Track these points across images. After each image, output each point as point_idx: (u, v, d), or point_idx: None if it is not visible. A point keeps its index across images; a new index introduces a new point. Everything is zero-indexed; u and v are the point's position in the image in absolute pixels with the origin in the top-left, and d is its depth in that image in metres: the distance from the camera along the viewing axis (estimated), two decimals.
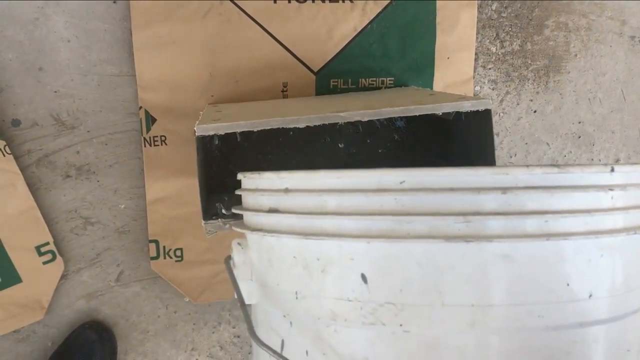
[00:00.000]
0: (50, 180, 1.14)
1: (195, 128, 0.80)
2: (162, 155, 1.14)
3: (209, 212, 0.83)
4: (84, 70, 1.11)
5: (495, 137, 1.27)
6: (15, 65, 1.09)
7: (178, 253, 1.18)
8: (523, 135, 1.28)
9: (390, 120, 1.08)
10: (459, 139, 1.03)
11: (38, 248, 1.13)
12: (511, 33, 1.24)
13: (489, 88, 1.24)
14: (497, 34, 1.24)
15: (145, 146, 1.13)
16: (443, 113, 0.78)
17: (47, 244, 1.14)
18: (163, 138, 1.14)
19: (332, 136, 1.07)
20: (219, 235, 1.18)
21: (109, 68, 1.12)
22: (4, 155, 1.09)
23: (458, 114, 0.81)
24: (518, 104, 1.27)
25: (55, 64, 1.10)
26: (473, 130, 0.94)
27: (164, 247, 1.17)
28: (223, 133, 0.78)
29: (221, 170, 1.03)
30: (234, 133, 0.89)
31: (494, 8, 1.22)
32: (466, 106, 0.79)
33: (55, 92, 1.11)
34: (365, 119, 0.77)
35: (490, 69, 1.24)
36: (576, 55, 1.27)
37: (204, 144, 0.94)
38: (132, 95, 1.13)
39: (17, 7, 1.07)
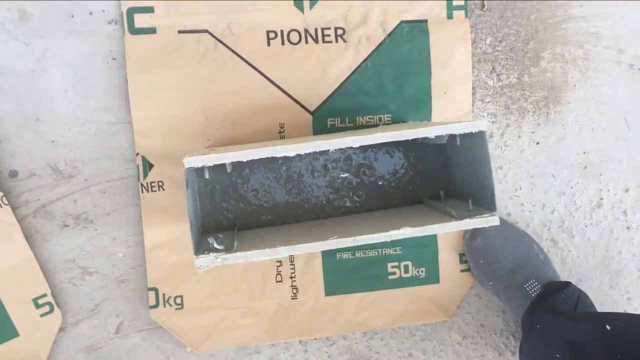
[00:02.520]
0: (47, 231, 1.13)
1: (183, 160, 0.79)
2: (159, 201, 1.13)
3: (201, 248, 0.81)
4: (81, 119, 1.12)
5: (499, 170, 1.25)
6: (12, 117, 1.10)
7: (178, 300, 1.15)
8: (527, 168, 1.26)
9: (388, 152, 1.06)
10: (457, 165, 1.01)
11: (35, 300, 1.11)
12: (507, 66, 1.24)
13: (489, 121, 1.23)
14: (493, 68, 1.23)
15: (142, 192, 1.13)
16: (436, 137, 0.77)
17: (45, 295, 1.12)
18: (160, 183, 1.13)
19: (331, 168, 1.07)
20: (220, 280, 1.15)
21: (105, 116, 1.12)
22: (1, 207, 1.08)
23: (453, 139, 0.79)
24: (520, 137, 1.25)
25: (53, 114, 1.11)
26: (469, 154, 0.92)
27: (164, 294, 1.15)
28: (212, 164, 0.77)
29: (215, 208, 1.02)
30: (227, 172, 0.89)
31: (488, 42, 1.23)
32: (459, 128, 0.77)
33: (53, 142, 1.12)
34: (357, 145, 0.75)
35: (488, 102, 1.23)
36: (575, 85, 1.26)
37: (194, 177, 0.92)
38: (129, 142, 1.13)
39: (15, 59, 1.09)
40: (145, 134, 1.12)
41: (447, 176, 1.03)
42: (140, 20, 1.11)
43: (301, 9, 1.15)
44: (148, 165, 1.12)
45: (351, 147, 1.04)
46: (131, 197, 1.14)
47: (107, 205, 1.14)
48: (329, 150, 1.00)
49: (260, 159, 1.00)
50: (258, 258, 0.78)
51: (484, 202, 0.84)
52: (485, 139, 0.81)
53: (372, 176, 1.04)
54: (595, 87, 1.27)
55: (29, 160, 1.11)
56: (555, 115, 1.26)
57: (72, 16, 1.10)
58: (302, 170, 1.04)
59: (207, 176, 0.90)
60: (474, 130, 0.77)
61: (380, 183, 1.04)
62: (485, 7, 1.22)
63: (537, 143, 1.26)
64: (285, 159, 1.03)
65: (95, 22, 1.11)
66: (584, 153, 1.28)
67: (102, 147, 1.13)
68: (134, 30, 1.11)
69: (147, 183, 1.13)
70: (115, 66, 1.12)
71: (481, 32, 1.22)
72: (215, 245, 0.81)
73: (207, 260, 0.79)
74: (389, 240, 0.78)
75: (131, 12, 1.11)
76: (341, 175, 1.01)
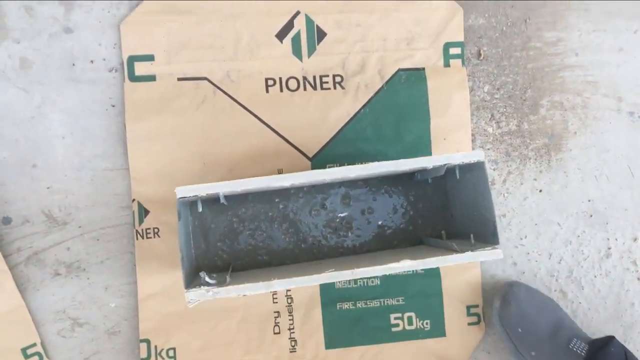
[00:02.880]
0: (39, 279, 1.09)
1: (175, 190, 0.77)
2: (154, 248, 1.10)
3: (192, 283, 0.78)
4: (78, 166, 1.11)
5: (502, 218, 1.22)
6: (9, 163, 1.09)
7: (171, 353, 1.10)
8: (532, 216, 1.23)
9: (387, 191, 1.04)
10: (457, 202, 0.98)
11: (24, 350, 1.06)
12: (506, 114, 1.24)
13: (490, 168, 1.22)
14: (492, 115, 1.23)
15: (137, 239, 1.10)
16: (434, 170, 0.75)
17: (34, 345, 1.07)
18: (156, 230, 1.10)
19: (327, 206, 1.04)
20: (215, 331, 1.11)
21: (102, 163, 1.12)
22: None
23: (452, 173, 0.78)
24: (522, 184, 1.23)
25: (50, 160, 1.10)
26: (469, 188, 0.90)
27: (156, 346, 1.10)
28: (205, 194, 0.75)
29: (209, 247, 0.99)
30: (223, 208, 0.87)
31: (486, 90, 1.23)
32: (457, 158, 0.76)
33: (48, 188, 1.10)
34: (353, 174, 0.74)
35: (489, 149, 1.22)
36: (576, 133, 1.25)
37: (187, 210, 0.90)
38: (125, 189, 1.12)
39: (14, 106, 1.10)
40: (142, 180, 1.11)
41: (448, 215, 1.00)
42: (141, 68, 1.13)
43: (299, 57, 1.16)
44: (144, 212, 1.10)
45: (349, 186, 1.02)
46: (125, 245, 1.11)
47: (101, 253, 1.11)
48: (328, 190, 0.98)
49: (257, 196, 0.98)
50: (251, 292, 0.75)
51: (487, 236, 0.82)
52: (484, 169, 0.79)
53: (372, 216, 1.02)
54: (596, 134, 1.26)
55: (23, 207, 1.09)
56: (557, 163, 1.25)
57: (73, 64, 1.12)
58: (299, 209, 1.01)
59: (200, 209, 0.88)
60: (473, 160, 0.76)
61: (379, 222, 1.02)
62: (482, 56, 1.24)
63: (540, 190, 1.24)
64: (283, 196, 1.01)
65: (96, 70, 1.12)
66: (589, 201, 1.25)
67: (97, 193, 1.11)
68: (134, 78, 1.12)
69: (142, 229, 1.10)
70: (114, 113, 1.12)
71: (479, 80, 1.23)
72: (207, 279, 0.78)
73: (197, 294, 0.75)
74: (388, 273, 0.75)
75: (132, 60, 1.12)
76: (339, 215, 0.99)
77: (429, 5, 1.20)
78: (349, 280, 1.11)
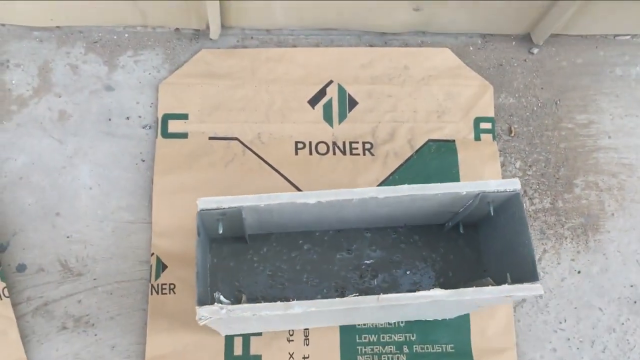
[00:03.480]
0: (44, 332, 1.03)
1: (197, 201, 0.74)
2: (168, 305, 1.05)
3: (205, 301, 0.72)
4: (101, 217, 1.10)
5: (539, 299, 1.14)
6: (33, 210, 1.08)
7: None
8: (570, 299, 1.15)
9: (416, 242, 0.98)
10: (492, 251, 0.92)
11: None
12: (539, 191, 1.20)
13: None
14: (525, 192, 1.20)
15: (152, 294, 1.05)
16: (464, 207, 0.71)
17: None
18: (172, 286, 1.05)
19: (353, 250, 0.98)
20: None
21: (125, 215, 1.10)
22: (1, 299, 1.01)
23: (486, 221, 0.73)
24: (559, 264, 1.17)
25: (73, 209, 1.09)
26: (504, 230, 0.84)
27: None
28: (227, 207, 0.72)
29: (226, 286, 0.93)
30: (245, 245, 0.82)
31: (517, 166, 1.21)
32: (491, 185, 0.72)
33: (68, 237, 1.08)
34: (382, 196, 0.70)
35: None
36: (613, 214, 1.20)
37: (207, 226, 0.85)
38: (145, 243, 1.09)
39: (47, 155, 1.11)
40: (163, 234, 1.08)
41: (480, 269, 0.93)
42: (174, 126, 1.15)
43: (330, 123, 1.18)
44: (162, 267, 1.06)
45: (377, 233, 0.96)
46: (139, 301, 1.06)
47: (113, 308, 1.05)
48: (354, 235, 0.94)
49: (280, 237, 0.94)
50: (268, 312, 0.68)
51: (525, 275, 0.75)
52: (520, 200, 0.75)
53: (399, 265, 0.95)
54: (634, 217, 1.21)
55: (40, 255, 1.06)
56: (596, 244, 1.18)
57: (109, 119, 1.15)
58: (323, 252, 0.95)
59: (220, 231, 0.83)
60: (509, 188, 0.72)
61: (407, 272, 0.95)
62: (513, 133, 1.23)
63: (579, 272, 1.17)
64: (307, 239, 0.95)
65: (131, 126, 1.15)
66: (632, 286, 1.17)
67: (117, 246, 1.08)
68: (167, 135, 1.14)
69: (158, 284, 1.05)
70: (144, 167, 1.13)
71: (510, 156, 1.21)
72: (222, 298, 0.73)
73: (210, 311, 0.69)
74: (416, 302, 0.68)
75: (166, 118, 1.15)
76: (365, 262, 0.93)
77: (460, 81, 1.22)
78: None
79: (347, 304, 0.69)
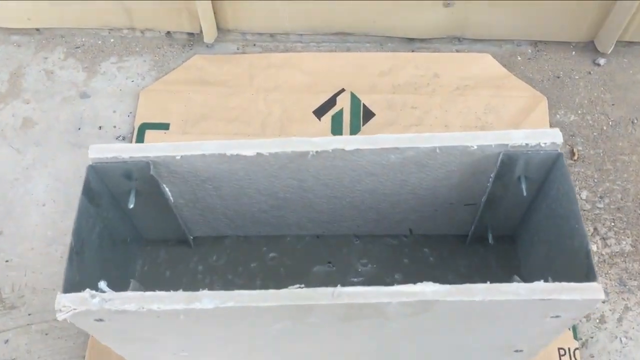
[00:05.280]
0: None
1: (89, 149, 0.53)
2: (113, 354, 0.80)
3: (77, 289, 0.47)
4: (50, 239, 0.90)
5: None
6: None
7: None
8: None
9: (427, 257, 0.69)
10: (534, 244, 0.62)
11: None
12: (615, 229, 0.91)
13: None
14: (595, 229, 0.91)
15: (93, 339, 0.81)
16: (478, 147, 0.46)
17: None
18: None
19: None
20: None
21: None
22: None
23: (524, 234, 0.47)
24: None
25: (19, 228, 0.90)
26: (547, 209, 0.56)
27: None
28: (128, 157, 0.50)
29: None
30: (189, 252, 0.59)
31: (584, 197, 0.93)
32: (517, 137, 0.46)
33: (7, 261, 0.88)
34: (350, 148, 0.46)
35: None
36: None
37: (113, 193, 0.59)
38: None
39: (1, 165, 0.94)
40: None
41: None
42: (152, 137, 0.96)
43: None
44: None
45: (370, 241, 0.68)
46: (79, 346, 0.82)
47: (45, 353, 0.82)
48: (338, 242, 0.68)
49: (236, 241, 0.67)
50: (163, 306, 0.44)
51: (576, 272, 0.46)
52: (564, 163, 0.49)
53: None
54: None
55: None
56: None
57: (79, 129, 0.98)
58: (295, 264, 0.66)
59: (131, 204, 0.58)
60: (544, 141, 0.46)
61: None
62: (577, 156, 0.96)
63: None
64: (273, 245, 0.67)
65: (102, 137, 0.97)
66: None
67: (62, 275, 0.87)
68: None
69: None
70: None
71: (574, 184, 0.94)
72: (105, 288, 0.49)
73: (75, 300, 0.46)
74: (394, 304, 0.41)
75: (144, 128, 0.97)
76: (353, 279, 0.65)
77: (505, 92, 0.99)
78: None
79: (286, 299, 0.44)
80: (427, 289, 0.43)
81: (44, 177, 0.94)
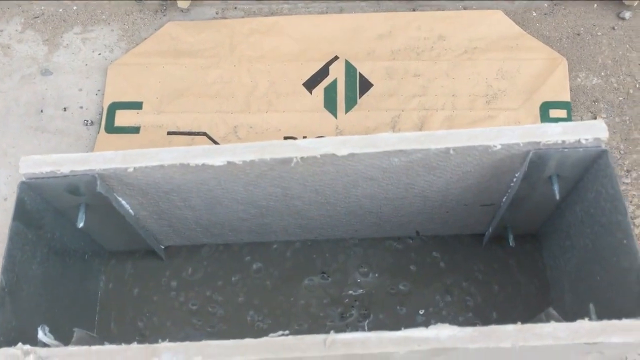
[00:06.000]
0: None
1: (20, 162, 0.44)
2: None
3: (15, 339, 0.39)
4: None
5: None
6: None
7: None
8: None
9: (437, 262, 0.61)
10: (565, 250, 0.54)
11: None
12: None
13: None
14: None
15: None
16: (502, 146, 0.36)
17: None
18: None
19: None
20: None
21: None
22: None
23: (549, 232, 0.38)
24: None
25: None
26: (584, 213, 0.47)
27: None
28: (70, 172, 0.41)
29: (124, 326, 0.59)
30: (161, 266, 0.49)
31: None
32: (552, 133, 0.37)
33: None
34: (344, 153, 0.36)
35: None
36: None
37: (58, 209, 0.50)
38: None
39: None
40: None
41: (544, 304, 0.54)
42: (123, 117, 0.86)
43: (334, 112, 0.86)
44: None
45: (371, 245, 0.59)
46: None
47: None
48: (334, 248, 0.59)
49: (216, 252, 0.58)
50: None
51: (624, 298, 0.37)
52: (610, 162, 0.40)
53: (407, 299, 0.57)
54: None
55: None
56: None
57: (41, 111, 0.87)
58: (284, 275, 0.58)
59: (80, 223, 0.49)
60: (585, 138, 0.37)
61: (420, 312, 0.57)
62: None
63: None
64: (258, 254, 0.58)
65: (68, 119, 0.87)
66: None
67: None
68: (112, 129, 0.85)
69: None
70: None
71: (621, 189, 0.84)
72: (45, 336, 0.41)
73: (6, 357, 0.37)
74: (403, 351, 0.32)
75: (114, 107, 0.86)
76: (350, 292, 0.56)
77: (520, 54, 0.88)
78: None
79: (267, 351, 0.35)
80: (443, 334, 0.34)
81: (4, 167, 0.84)
